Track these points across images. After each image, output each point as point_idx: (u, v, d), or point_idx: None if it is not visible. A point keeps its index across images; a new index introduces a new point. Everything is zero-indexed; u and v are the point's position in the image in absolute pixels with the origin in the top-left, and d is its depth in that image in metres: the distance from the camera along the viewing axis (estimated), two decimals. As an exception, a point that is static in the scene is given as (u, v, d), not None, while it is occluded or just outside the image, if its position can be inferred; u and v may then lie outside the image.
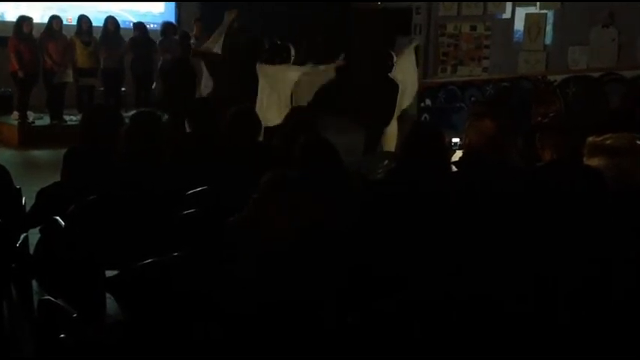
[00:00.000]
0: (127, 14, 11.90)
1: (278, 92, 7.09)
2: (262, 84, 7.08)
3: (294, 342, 2.28)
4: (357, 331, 2.35)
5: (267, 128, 5.70)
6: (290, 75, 7.25)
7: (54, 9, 10.60)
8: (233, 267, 2.48)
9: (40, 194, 3.90)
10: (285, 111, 5.57)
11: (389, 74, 7.42)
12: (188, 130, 4.72)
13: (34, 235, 3.75)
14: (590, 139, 3.91)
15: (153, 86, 10.64)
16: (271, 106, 6.94)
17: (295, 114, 4.67)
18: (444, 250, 2.99)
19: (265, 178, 2.58)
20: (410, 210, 3.28)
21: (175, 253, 2.82)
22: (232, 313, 2.36)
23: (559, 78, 9.96)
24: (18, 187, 4.10)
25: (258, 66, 7.19)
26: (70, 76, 9.93)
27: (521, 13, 11.58)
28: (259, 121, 4.46)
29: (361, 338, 2.34)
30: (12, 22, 10.08)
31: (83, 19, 10.17)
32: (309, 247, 2.46)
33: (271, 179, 2.57)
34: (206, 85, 7.89)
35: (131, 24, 11.12)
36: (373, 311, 2.42)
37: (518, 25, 11.62)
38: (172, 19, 12.30)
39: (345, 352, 2.30)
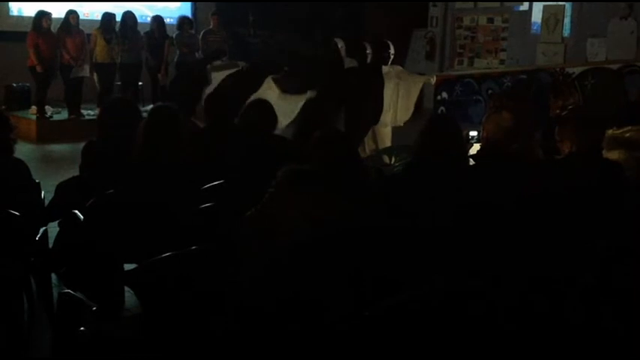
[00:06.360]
0: (144, 9, 11.94)
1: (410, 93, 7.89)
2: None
3: (304, 339, 2.28)
4: (368, 330, 2.33)
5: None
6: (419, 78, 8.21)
7: (71, 4, 10.63)
8: (247, 262, 2.48)
9: (59, 188, 3.93)
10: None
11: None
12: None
13: (53, 228, 3.78)
14: (610, 131, 3.89)
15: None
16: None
17: (309, 109, 4.64)
18: (460, 245, 2.98)
19: (280, 173, 2.58)
20: (427, 204, 3.27)
21: (193, 247, 2.83)
22: (245, 308, 2.36)
23: (577, 70, 9.87)
24: (37, 181, 4.13)
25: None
26: (87, 71, 9.96)
27: (539, 4, 11.47)
28: (275, 115, 4.43)
29: (371, 336, 2.33)
30: (30, 17, 10.13)
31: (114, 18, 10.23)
32: (323, 243, 2.45)
33: (286, 174, 2.57)
34: None
35: (148, 18, 11.13)
36: (383, 310, 2.40)
37: (536, 17, 11.52)
38: (189, 13, 12.32)
39: (353, 351, 2.29)
